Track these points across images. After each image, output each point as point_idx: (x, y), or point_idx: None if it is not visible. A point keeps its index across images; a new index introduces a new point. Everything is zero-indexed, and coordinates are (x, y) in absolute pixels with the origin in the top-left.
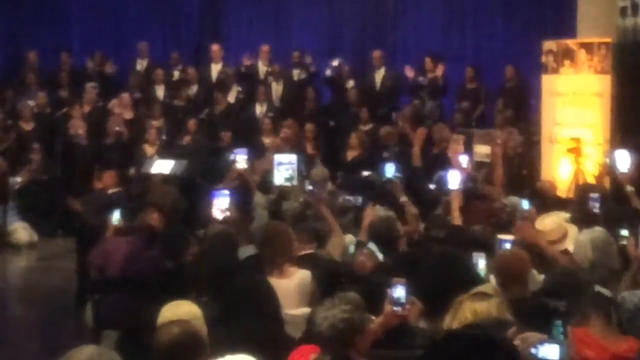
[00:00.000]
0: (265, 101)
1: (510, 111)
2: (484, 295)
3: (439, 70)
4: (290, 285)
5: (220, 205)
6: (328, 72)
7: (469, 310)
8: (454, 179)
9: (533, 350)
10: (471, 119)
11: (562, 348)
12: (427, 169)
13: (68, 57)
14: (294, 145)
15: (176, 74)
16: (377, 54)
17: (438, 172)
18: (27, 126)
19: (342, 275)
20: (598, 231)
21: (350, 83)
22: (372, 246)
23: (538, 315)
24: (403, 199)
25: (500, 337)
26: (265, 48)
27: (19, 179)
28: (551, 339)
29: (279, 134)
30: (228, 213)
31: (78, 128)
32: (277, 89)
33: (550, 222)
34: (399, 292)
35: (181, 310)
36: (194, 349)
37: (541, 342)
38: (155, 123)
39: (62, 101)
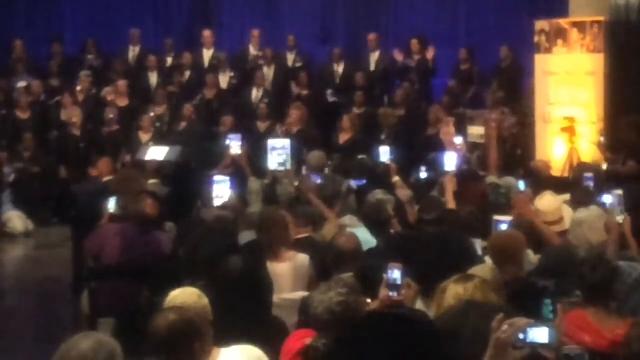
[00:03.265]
0: (262, 86)
1: (501, 92)
2: (467, 278)
3: (430, 53)
4: (288, 269)
5: (220, 192)
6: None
7: (451, 295)
8: (450, 161)
9: (521, 336)
10: (460, 100)
11: (551, 330)
12: (421, 150)
13: (59, 46)
14: (301, 128)
15: (169, 60)
16: (372, 36)
17: (431, 154)
18: (24, 115)
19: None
20: (594, 210)
21: (341, 66)
22: (363, 229)
23: (528, 295)
24: (396, 179)
25: (417, 315)
26: (255, 33)
27: (11, 170)
28: (540, 319)
29: (274, 118)
30: (227, 199)
31: (72, 116)
32: (268, 73)
33: (548, 204)
34: (395, 276)
35: (188, 297)
36: (190, 335)
37: (530, 326)
38: (159, 109)
39: (53, 90)
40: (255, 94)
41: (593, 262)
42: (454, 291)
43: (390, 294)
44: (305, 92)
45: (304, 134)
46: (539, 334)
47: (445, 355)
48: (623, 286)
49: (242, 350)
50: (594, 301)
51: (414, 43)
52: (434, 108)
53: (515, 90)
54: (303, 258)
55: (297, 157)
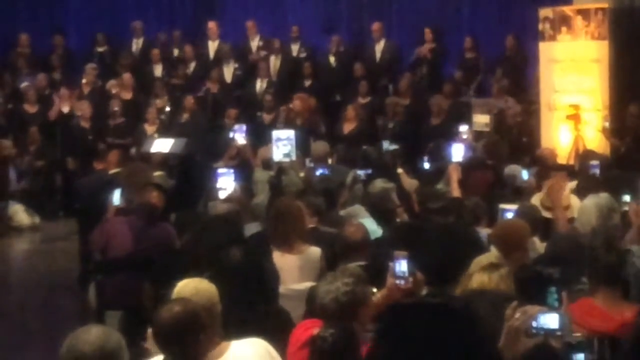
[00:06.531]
0: (267, 77)
1: (505, 80)
2: (493, 267)
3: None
4: (299, 261)
5: (224, 184)
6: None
7: (476, 282)
8: (457, 152)
9: (534, 323)
10: (463, 90)
11: (561, 317)
12: (426, 141)
13: (61, 39)
14: (305, 118)
15: (176, 52)
16: (376, 26)
17: (432, 143)
18: (32, 109)
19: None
20: (603, 197)
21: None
22: (369, 219)
23: (533, 283)
24: (400, 170)
25: (459, 304)
26: (250, 24)
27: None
28: (547, 306)
29: (279, 110)
30: (232, 191)
31: (80, 109)
32: (274, 64)
33: None
34: (401, 265)
35: (196, 288)
36: (195, 327)
37: (541, 313)
38: (159, 102)
39: (55, 83)
40: (260, 85)
41: (606, 244)
42: (479, 279)
43: (397, 282)
44: (309, 83)
45: (308, 125)
46: (550, 320)
47: (485, 342)
48: (632, 268)
49: (251, 344)
50: (604, 283)
51: (427, 32)
52: (436, 98)
53: (519, 79)
54: (315, 251)
55: (302, 148)
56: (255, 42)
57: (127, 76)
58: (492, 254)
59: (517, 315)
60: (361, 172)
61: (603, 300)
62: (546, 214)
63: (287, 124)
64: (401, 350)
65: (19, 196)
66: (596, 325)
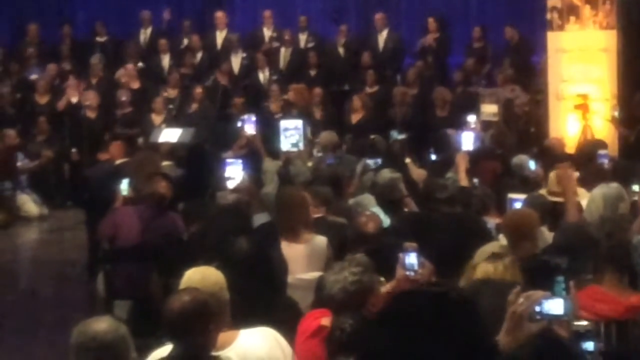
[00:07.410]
0: (267, 67)
1: (511, 70)
2: (497, 257)
3: (443, 33)
4: (306, 250)
5: (232, 173)
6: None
7: (480, 272)
8: (467, 141)
9: (537, 308)
10: (473, 79)
11: (566, 302)
12: (433, 131)
13: (70, 28)
14: (301, 108)
15: (185, 42)
16: (379, 16)
17: (436, 134)
18: (42, 99)
19: (348, 237)
20: (613, 187)
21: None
22: (377, 209)
23: (540, 272)
24: (407, 160)
25: (456, 292)
26: (267, 13)
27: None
28: (554, 295)
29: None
30: (240, 181)
31: (87, 99)
32: (284, 55)
33: None
34: (411, 257)
35: (202, 274)
36: (205, 317)
37: (545, 298)
38: (171, 91)
39: (64, 73)
40: (262, 75)
41: (609, 232)
42: (483, 269)
43: (407, 273)
44: (314, 73)
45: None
46: (554, 305)
47: (486, 334)
48: (639, 259)
49: (260, 332)
50: (609, 269)
51: (431, 21)
52: (439, 90)
53: (526, 68)
54: (321, 240)
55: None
56: (269, 32)
57: (130, 66)
58: (497, 243)
59: (521, 300)
60: (371, 162)
61: (609, 285)
62: (554, 199)
63: (284, 115)
64: (400, 336)
65: (32, 173)
66: (603, 309)
